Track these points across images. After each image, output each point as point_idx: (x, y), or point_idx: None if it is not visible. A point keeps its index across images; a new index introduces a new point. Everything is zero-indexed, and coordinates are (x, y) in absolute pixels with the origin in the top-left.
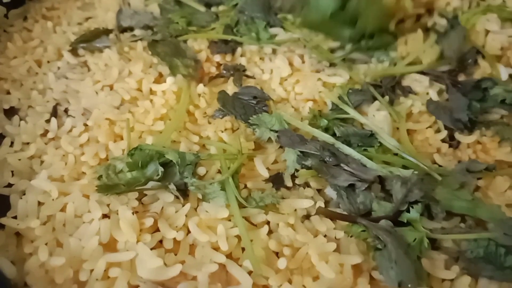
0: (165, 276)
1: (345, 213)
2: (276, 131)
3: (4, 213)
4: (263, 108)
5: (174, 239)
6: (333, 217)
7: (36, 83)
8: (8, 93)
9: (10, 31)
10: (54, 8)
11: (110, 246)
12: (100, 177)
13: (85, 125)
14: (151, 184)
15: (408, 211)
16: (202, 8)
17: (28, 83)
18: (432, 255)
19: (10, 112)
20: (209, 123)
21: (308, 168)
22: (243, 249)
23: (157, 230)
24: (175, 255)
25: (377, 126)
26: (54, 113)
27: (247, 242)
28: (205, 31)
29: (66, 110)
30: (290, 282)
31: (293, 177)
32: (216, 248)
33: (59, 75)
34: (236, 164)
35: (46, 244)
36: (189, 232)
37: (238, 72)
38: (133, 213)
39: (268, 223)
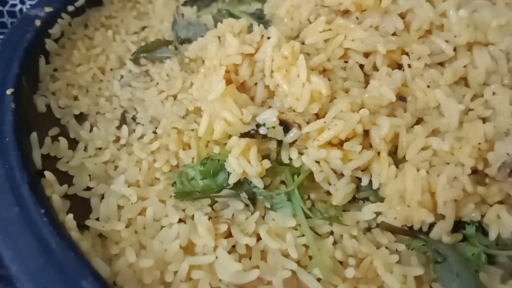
0: (244, 280)
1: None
2: None
3: (86, 215)
4: None
5: (247, 245)
6: (395, 231)
7: (102, 90)
8: (77, 99)
9: (73, 38)
10: (112, 16)
11: (188, 249)
12: (174, 184)
13: (155, 133)
14: (224, 192)
15: (463, 227)
16: (254, 22)
17: (94, 90)
18: (489, 270)
19: (80, 118)
20: None
21: None
22: (310, 257)
23: (230, 235)
24: (249, 260)
25: None
26: (123, 120)
27: (315, 251)
28: None
29: (133, 118)
30: None
31: None
32: (286, 255)
33: (123, 83)
34: (302, 177)
35: (131, 246)
36: (259, 238)
37: None
38: (208, 219)
39: (332, 233)
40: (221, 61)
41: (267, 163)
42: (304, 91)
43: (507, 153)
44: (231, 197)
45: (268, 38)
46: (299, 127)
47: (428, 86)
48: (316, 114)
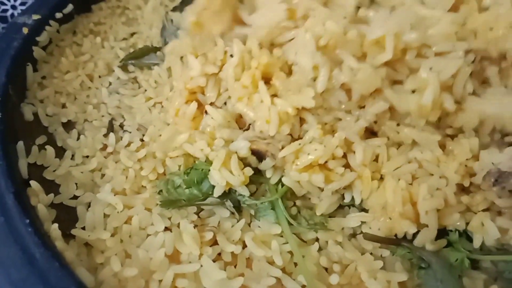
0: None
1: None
2: None
3: (72, 224)
4: None
5: (232, 252)
6: (379, 241)
7: (90, 97)
8: (64, 106)
9: (62, 45)
10: (101, 23)
11: (174, 257)
12: (160, 192)
13: (142, 140)
14: (210, 200)
15: (447, 234)
16: None
17: (82, 97)
18: (472, 275)
19: (68, 126)
20: None
21: None
22: (295, 264)
23: (215, 243)
24: (235, 267)
25: None
26: (111, 127)
27: (300, 258)
28: None
29: (121, 125)
30: None
31: None
32: (271, 263)
33: (111, 90)
34: (286, 188)
35: (116, 254)
36: (245, 246)
37: None
38: (194, 227)
39: (317, 240)
40: (186, 84)
41: (249, 171)
42: (272, 115)
43: (492, 163)
44: (217, 205)
45: (231, 56)
46: (273, 155)
47: (398, 125)
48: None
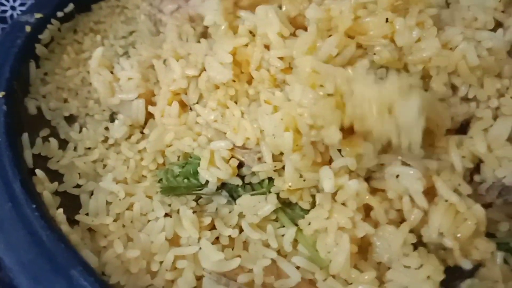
0: (226, 268)
1: None
2: None
3: (76, 210)
4: None
5: (229, 236)
6: None
7: (91, 93)
8: (66, 101)
9: (63, 43)
10: (101, 22)
11: (174, 241)
12: (160, 180)
13: (142, 133)
14: (206, 189)
15: None
16: None
17: (83, 92)
18: None
19: (70, 119)
20: None
21: None
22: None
23: (213, 228)
24: (232, 250)
25: None
26: (112, 121)
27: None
28: None
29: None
30: (333, 276)
31: None
32: (267, 246)
33: None
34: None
35: (118, 238)
36: (241, 231)
37: None
38: (193, 212)
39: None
40: (169, 86)
41: (234, 161)
42: (240, 126)
43: (497, 175)
44: (214, 194)
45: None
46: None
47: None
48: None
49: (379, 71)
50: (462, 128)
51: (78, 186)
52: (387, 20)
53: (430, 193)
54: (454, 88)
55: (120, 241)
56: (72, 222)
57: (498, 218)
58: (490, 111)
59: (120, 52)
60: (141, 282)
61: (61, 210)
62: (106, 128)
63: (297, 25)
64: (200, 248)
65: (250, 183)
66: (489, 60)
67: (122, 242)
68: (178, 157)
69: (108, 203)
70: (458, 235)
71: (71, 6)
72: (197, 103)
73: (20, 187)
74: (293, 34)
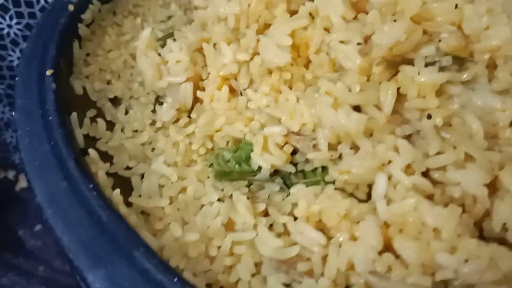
0: (285, 255)
1: None
2: None
3: (128, 193)
4: None
5: (284, 223)
6: None
7: (134, 76)
8: (110, 83)
9: (103, 25)
10: (139, 5)
11: (229, 227)
12: (211, 165)
13: (189, 117)
14: (260, 175)
15: None
16: None
17: (126, 75)
18: None
19: (115, 101)
20: None
21: None
22: None
23: (267, 215)
24: (288, 237)
25: None
26: (158, 104)
27: None
28: None
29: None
30: None
31: None
32: None
33: None
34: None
35: (175, 221)
36: (296, 218)
37: None
38: (247, 198)
39: None
40: (219, 71)
41: (289, 148)
42: (297, 111)
43: None
44: (267, 180)
45: None
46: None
47: None
48: None
49: (445, 58)
50: None
51: (128, 168)
52: (456, 6)
53: (493, 185)
54: None
55: (177, 224)
56: (126, 204)
57: None
58: None
59: (160, 36)
60: (200, 266)
61: (117, 190)
62: (153, 111)
63: (358, 9)
64: (257, 235)
65: (302, 171)
66: None
67: (179, 225)
68: (227, 142)
69: (160, 186)
70: None
71: None
72: (247, 88)
73: (75, 166)
74: (355, 18)
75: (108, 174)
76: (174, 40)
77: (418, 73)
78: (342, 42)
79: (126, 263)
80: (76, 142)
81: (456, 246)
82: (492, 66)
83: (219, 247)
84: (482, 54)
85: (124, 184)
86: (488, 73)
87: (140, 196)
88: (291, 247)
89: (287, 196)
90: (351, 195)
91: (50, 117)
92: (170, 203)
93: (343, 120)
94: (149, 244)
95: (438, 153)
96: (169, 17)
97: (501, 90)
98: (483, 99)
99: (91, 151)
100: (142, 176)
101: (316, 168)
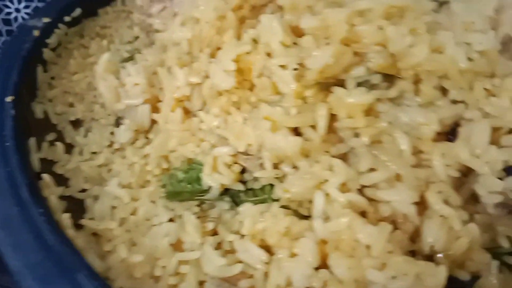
0: (228, 273)
1: None
2: None
3: (81, 215)
4: None
5: (231, 241)
6: None
7: (97, 98)
8: (72, 105)
9: (70, 48)
10: (107, 26)
11: (177, 246)
12: (164, 186)
13: (146, 138)
14: (209, 195)
15: None
16: None
17: (89, 97)
18: None
19: (76, 124)
20: None
21: None
22: None
23: (216, 233)
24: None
25: None
26: (117, 126)
27: None
28: None
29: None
30: None
31: None
32: None
33: None
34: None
35: (123, 243)
36: (243, 236)
37: None
38: (197, 218)
39: None
40: (172, 93)
41: (237, 167)
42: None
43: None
44: (217, 199)
45: None
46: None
47: None
48: None
49: (374, 76)
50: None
51: (83, 190)
52: (380, 27)
53: (423, 202)
54: (445, 91)
55: (124, 246)
56: (77, 226)
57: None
58: (479, 112)
59: (126, 56)
60: (145, 286)
61: (67, 214)
62: (112, 133)
63: (299, 34)
64: (202, 254)
65: (252, 189)
66: (480, 62)
67: (127, 246)
68: (182, 162)
69: (113, 208)
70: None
71: (78, 11)
72: (201, 109)
73: (27, 191)
74: (294, 43)
75: (62, 197)
76: (134, 62)
77: (348, 94)
78: (282, 66)
79: (70, 285)
80: (31, 167)
81: (386, 263)
82: (418, 81)
83: (164, 267)
84: (407, 70)
85: (78, 207)
86: (415, 88)
87: (92, 218)
88: (234, 265)
89: (236, 214)
90: (296, 212)
91: (7, 143)
92: (120, 225)
93: (280, 143)
94: (93, 266)
95: (372, 170)
96: (136, 37)
97: (425, 102)
98: (409, 115)
99: (45, 176)
100: (97, 198)
101: (264, 186)
